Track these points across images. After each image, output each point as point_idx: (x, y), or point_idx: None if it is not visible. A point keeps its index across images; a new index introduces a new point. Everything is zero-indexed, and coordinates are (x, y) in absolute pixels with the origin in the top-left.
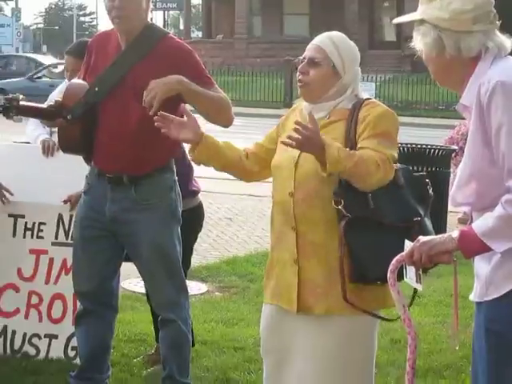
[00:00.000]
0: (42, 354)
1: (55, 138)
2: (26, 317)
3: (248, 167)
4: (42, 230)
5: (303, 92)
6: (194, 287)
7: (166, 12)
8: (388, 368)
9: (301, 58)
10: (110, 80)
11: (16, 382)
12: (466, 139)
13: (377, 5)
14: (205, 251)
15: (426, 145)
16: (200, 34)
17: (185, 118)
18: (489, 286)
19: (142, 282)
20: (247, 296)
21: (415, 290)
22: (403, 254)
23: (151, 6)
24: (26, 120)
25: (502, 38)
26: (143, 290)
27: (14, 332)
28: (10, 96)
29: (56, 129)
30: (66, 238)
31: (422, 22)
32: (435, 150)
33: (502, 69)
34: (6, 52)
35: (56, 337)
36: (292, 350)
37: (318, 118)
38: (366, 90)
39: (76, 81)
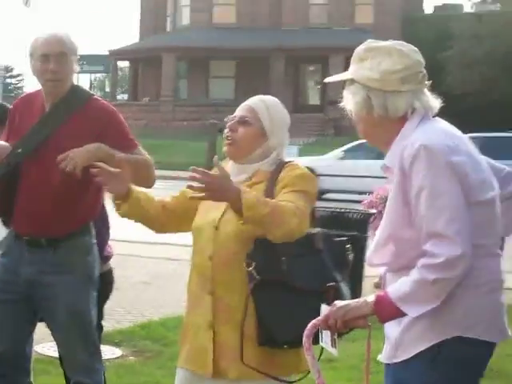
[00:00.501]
0: None
1: None
2: None
3: (163, 220)
4: None
5: (230, 149)
6: (108, 351)
7: (92, 74)
8: None
9: (231, 116)
10: (33, 141)
11: None
12: (384, 203)
13: (302, 68)
14: (119, 315)
15: (345, 209)
16: (126, 96)
17: (118, 170)
18: (398, 347)
19: (56, 346)
20: (161, 360)
21: (322, 351)
22: (319, 318)
23: (78, 68)
24: None
25: (430, 98)
26: (56, 354)
27: None
28: None
29: None
30: None
31: (352, 81)
32: (353, 213)
33: (427, 132)
34: None
35: None
36: None
37: (241, 180)
38: (289, 154)
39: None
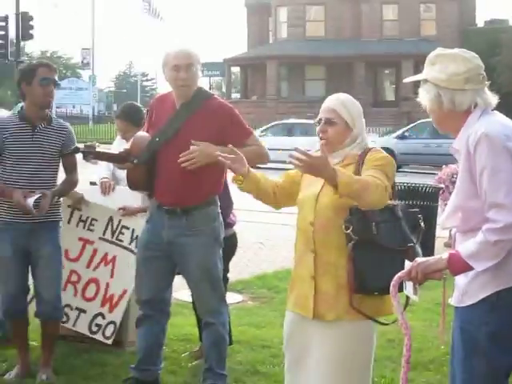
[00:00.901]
0: (71, 323)
1: (114, 179)
2: (64, 289)
3: (277, 197)
4: (93, 225)
5: (326, 148)
6: (231, 297)
7: (211, 78)
8: (385, 362)
9: (317, 119)
10: (168, 132)
11: (87, 371)
12: (450, 179)
13: (379, 71)
14: (240, 268)
15: (419, 183)
16: (238, 95)
17: (237, 156)
18: (464, 294)
19: (189, 293)
20: (273, 304)
21: (407, 299)
22: (403, 271)
23: (201, 74)
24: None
25: (489, 96)
26: (190, 299)
27: None
28: (89, 144)
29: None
30: (112, 237)
31: (425, 81)
32: (426, 187)
33: (487, 123)
34: (86, 111)
35: (85, 312)
36: (308, 349)
37: (335, 163)
38: (371, 142)
39: (141, 133)
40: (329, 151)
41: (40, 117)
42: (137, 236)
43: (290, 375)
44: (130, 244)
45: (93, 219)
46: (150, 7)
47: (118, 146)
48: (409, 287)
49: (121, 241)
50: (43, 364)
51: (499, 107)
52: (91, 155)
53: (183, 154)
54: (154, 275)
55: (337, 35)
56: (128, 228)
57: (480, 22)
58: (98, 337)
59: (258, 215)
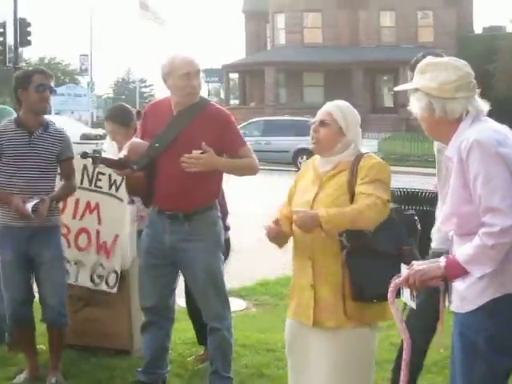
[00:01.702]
0: (72, 278)
1: None
2: None
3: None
4: None
5: (315, 147)
6: (235, 304)
7: (209, 84)
8: (387, 365)
9: (312, 120)
10: (167, 138)
11: (95, 375)
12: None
13: (378, 78)
14: (242, 275)
15: (418, 189)
16: (237, 101)
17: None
18: (463, 300)
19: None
20: (277, 311)
21: (405, 305)
22: (401, 278)
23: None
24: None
25: (480, 103)
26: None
27: None
28: (96, 149)
29: None
30: (90, 185)
31: (416, 90)
32: (424, 193)
33: (478, 129)
34: (84, 117)
35: (83, 264)
36: (309, 356)
37: (327, 170)
38: (370, 146)
39: (137, 140)
40: (319, 152)
41: (36, 123)
42: (115, 180)
43: (293, 380)
44: (109, 189)
45: None
46: (149, 12)
47: (108, 148)
48: (406, 294)
49: (100, 187)
50: (52, 368)
51: (497, 112)
52: (98, 160)
53: (187, 156)
54: (156, 282)
55: (335, 42)
56: (104, 174)
57: (478, 29)
58: (102, 287)
59: (250, 218)
